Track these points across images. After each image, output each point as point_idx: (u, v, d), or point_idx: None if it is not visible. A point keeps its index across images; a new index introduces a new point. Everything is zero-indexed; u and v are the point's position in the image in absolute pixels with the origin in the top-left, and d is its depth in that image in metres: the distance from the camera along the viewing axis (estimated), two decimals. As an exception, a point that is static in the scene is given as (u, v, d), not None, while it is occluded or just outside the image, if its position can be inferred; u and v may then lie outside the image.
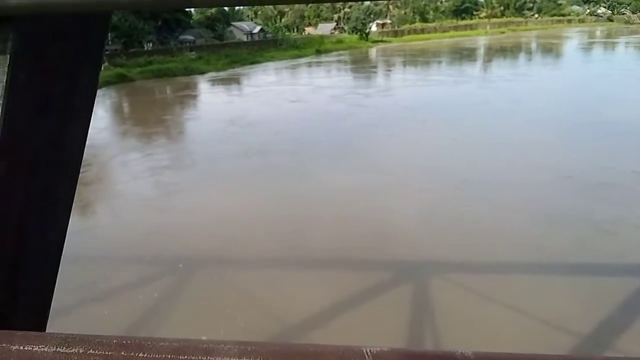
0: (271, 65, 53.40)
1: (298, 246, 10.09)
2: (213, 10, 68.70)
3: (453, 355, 0.84)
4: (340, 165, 15.62)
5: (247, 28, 74.03)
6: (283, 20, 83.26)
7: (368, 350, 0.80)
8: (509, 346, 6.67)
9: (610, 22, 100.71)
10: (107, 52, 48.62)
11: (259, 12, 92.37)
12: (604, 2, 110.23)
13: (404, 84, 35.24)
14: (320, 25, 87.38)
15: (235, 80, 42.64)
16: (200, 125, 24.51)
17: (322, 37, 73.75)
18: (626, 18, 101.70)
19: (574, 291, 8.19)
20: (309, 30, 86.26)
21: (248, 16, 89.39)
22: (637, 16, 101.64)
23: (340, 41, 72.02)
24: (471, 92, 30.38)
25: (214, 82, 42.29)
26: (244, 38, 70.17)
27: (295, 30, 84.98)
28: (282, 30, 73.31)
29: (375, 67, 50.74)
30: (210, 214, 12.08)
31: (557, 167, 14.68)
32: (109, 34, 53.52)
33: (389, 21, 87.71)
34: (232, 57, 54.67)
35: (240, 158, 17.07)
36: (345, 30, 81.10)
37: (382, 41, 76.01)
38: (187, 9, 66.54)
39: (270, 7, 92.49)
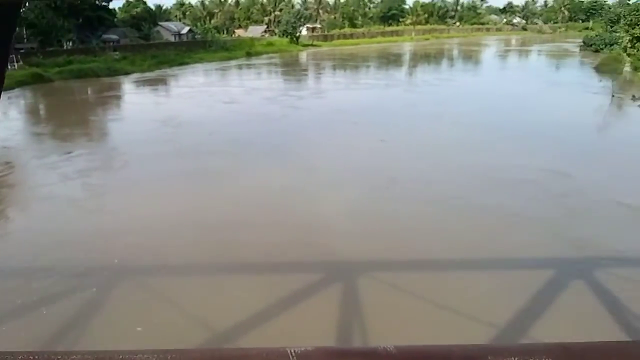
0: (200, 66, 52.38)
1: (229, 249, 9.89)
2: (138, 9, 66.32)
3: (376, 351, 0.86)
4: (275, 166, 15.64)
5: (175, 28, 72.15)
6: (212, 21, 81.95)
7: (292, 351, 0.78)
8: (429, 338, 6.98)
9: (525, 31, 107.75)
10: (21, 51, 45.53)
11: (188, 13, 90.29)
12: (519, 13, 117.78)
13: (336, 87, 35.80)
14: (250, 28, 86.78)
15: (163, 82, 41.42)
16: (129, 126, 23.62)
17: (252, 39, 73.28)
18: (538, 28, 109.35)
19: (490, 283, 8.66)
20: (239, 32, 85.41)
21: (176, 16, 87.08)
22: (548, 26, 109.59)
23: (270, 44, 71.90)
24: (399, 95, 31.44)
25: (141, 83, 40.84)
26: (172, 38, 68.31)
27: (225, 32, 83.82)
28: (211, 32, 72.07)
29: (306, 70, 51.16)
30: (135, 219, 11.57)
31: (477, 165, 15.56)
32: (25, 31, 50.18)
33: (319, 25, 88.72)
34: (159, 57, 52.98)
35: (172, 159, 16.61)
36: (275, 33, 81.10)
37: (312, 45, 76.73)
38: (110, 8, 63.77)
39: (199, 7, 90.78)
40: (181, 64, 52.96)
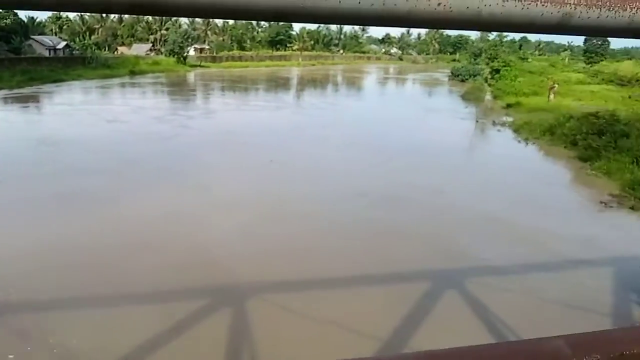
0: (78, 84, 49.46)
1: (113, 278, 9.39)
2: (8, 20, 61.03)
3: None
4: (163, 187, 15.52)
5: (50, 43, 67.38)
6: (93, 37, 77.76)
7: None
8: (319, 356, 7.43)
9: (401, 61, 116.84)
10: None
11: (65, 27, 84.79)
12: (396, 44, 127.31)
13: (226, 108, 36.07)
14: (135, 46, 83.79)
15: (36, 99, 38.47)
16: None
17: (137, 57, 70.86)
18: (413, 58, 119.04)
19: (374, 297, 9.28)
20: (123, 49, 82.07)
21: (52, 30, 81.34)
22: (421, 57, 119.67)
23: (156, 63, 70.09)
24: (288, 117, 32.61)
25: (9, 100, 37.56)
26: (46, 53, 63.69)
27: (107, 48, 79.99)
28: (91, 48, 68.41)
29: (195, 90, 50.72)
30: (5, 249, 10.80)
31: (360, 184, 16.86)
32: None
33: (207, 47, 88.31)
34: (31, 73, 49.15)
35: (46, 180, 15.63)
36: (162, 53, 79.18)
37: (200, 66, 76.13)
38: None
39: (78, 22, 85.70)
40: (57, 80, 49.60)
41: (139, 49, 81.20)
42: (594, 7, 0.90)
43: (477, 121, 32.99)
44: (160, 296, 8.95)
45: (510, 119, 31.84)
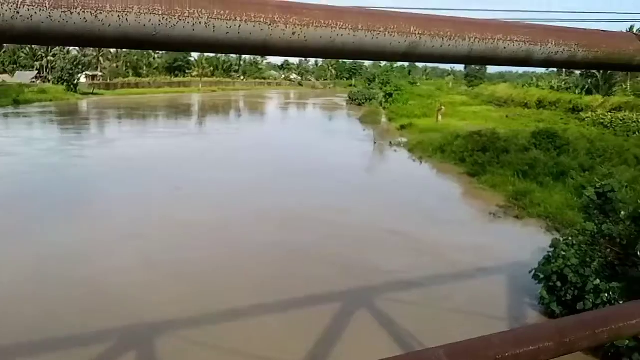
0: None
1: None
2: None
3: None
4: (59, 221, 14.74)
5: None
6: (-33, 64, 70.93)
7: None
8: None
9: (301, 86, 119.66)
10: None
11: None
12: (295, 70, 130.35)
13: (125, 137, 34.70)
14: (18, 73, 77.58)
15: None
16: None
17: (21, 85, 65.73)
18: (312, 84, 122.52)
19: (287, 320, 9.45)
20: (4, 77, 75.58)
21: None
22: (320, 82, 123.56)
23: (43, 91, 65.49)
24: (191, 144, 32.16)
25: None
26: None
27: (-16, 76, 73.26)
28: (-35, 75, 62.34)
29: (89, 119, 48.12)
30: None
31: (266, 207, 17.21)
32: None
33: (100, 73, 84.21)
34: None
35: None
36: (49, 80, 74.13)
37: (93, 93, 72.34)
38: None
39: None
40: None
41: (23, 76, 75.36)
42: (437, 37, 1.00)
43: (375, 142, 34.86)
44: (61, 343, 8.49)
45: (404, 140, 34.06)
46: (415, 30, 0.99)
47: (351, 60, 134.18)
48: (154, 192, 18.49)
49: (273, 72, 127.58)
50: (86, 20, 0.77)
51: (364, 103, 65.53)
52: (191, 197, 18.10)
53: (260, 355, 8.17)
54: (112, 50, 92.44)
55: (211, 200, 17.80)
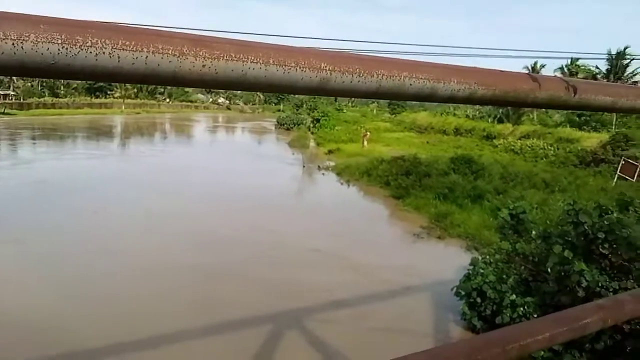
0: None
1: None
2: None
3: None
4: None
5: None
6: None
7: None
8: None
9: (229, 110, 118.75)
10: None
11: None
12: (223, 94, 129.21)
13: (40, 157, 32.63)
14: None
15: None
16: None
17: None
18: (240, 108, 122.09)
19: (215, 347, 9.25)
20: None
21: None
22: (248, 107, 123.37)
23: (-55, 110, 60.36)
24: (112, 165, 30.86)
25: None
26: None
27: None
28: None
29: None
30: None
31: (193, 231, 16.86)
32: None
33: (12, 93, 78.91)
34: None
35: None
36: (-49, 98, 68.46)
37: (4, 113, 67.56)
38: None
39: None
40: None
41: None
42: (346, 73, 1.03)
43: (304, 166, 35.17)
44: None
45: (332, 164, 34.69)
46: (325, 67, 1.03)
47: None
48: (68, 216, 17.49)
49: (200, 96, 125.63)
50: None
51: (292, 128, 66.12)
52: (108, 219, 17.28)
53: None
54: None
55: (131, 222, 17.12)
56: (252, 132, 68.29)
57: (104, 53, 0.80)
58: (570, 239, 9.24)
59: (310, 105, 65.60)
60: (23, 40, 0.74)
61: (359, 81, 1.08)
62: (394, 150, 36.83)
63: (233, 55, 0.91)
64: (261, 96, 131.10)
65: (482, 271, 10.57)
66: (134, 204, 19.95)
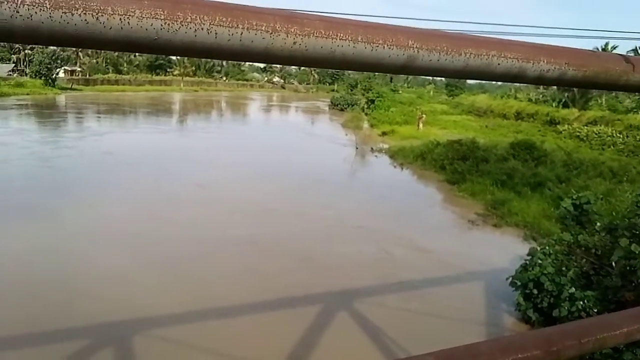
0: None
1: None
2: None
3: None
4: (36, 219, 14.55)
5: None
6: (-60, 54, 69.16)
7: None
8: None
9: (283, 89, 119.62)
10: None
11: None
12: (278, 73, 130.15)
13: (103, 131, 34.22)
14: (-7, 65, 75.86)
15: None
16: None
17: (-4, 78, 64.30)
18: (294, 87, 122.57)
19: (271, 323, 9.59)
20: (-21, 69, 73.80)
21: None
22: (302, 86, 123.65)
23: (20, 85, 64.14)
24: (172, 140, 31.98)
25: None
26: None
27: (-41, 67, 71.50)
28: (-61, 66, 60.73)
29: (71, 113, 47.38)
30: None
31: (256, 203, 17.22)
32: None
33: (79, 69, 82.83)
34: None
35: None
36: (26, 74, 72.65)
37: (72, 89, 71.13)
38: None
39: None
40: None
41: (-1, 69, 73.70)
42: (434, 51, 1.01)
43: (356, 148, 34.99)
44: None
45: (386, 146, 34.31)
46: (413, 44, 1.00)
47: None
48: (135, 186, 18.51)
49: (256, 75, 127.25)
50: (87, 22, 0.76)
51: (346, 108, 65.69)
52: (168, 189, 18.11)
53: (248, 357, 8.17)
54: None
55: (187, 194, 17.80)
56: (306, 112, 68.53)
57: (202, 29, 0.80)
58: (638, 232, 8.75)
59: (365, 86, 64.97)
60: (129, 15, 0.75)
61: (446, 60, 1.04)
62: (450, 133, 35.96)
63: (323, 32, 0.90)
64: (315, 75, 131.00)
65: (540, 262, 10.20)
66: (190, 176, 20.61)
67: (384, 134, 40.79)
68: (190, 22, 0.79)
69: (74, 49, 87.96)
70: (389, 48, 0.96)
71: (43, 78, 67.78)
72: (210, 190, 19.08)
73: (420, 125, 41.62)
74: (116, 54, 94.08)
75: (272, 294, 10.60)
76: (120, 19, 0.75)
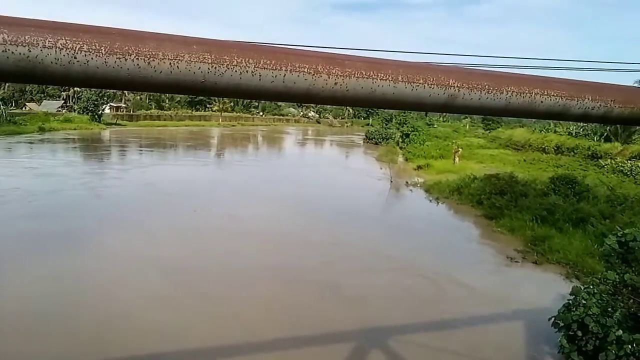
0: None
1: None
2: None
3: None
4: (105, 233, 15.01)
5: (-52, 97, 62.77)
6: (-2, 92, 73.58)
7: None
8: None
9: (318, 124, 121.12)
10: None
11: (-36, 80, 79.47)
12: (313, 108, 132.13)
13: (146, 164, 35.34)
14: (45, 102, 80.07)
15: None
16: None
17: (47, 114, 67.67)
18: (329, 122, 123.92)
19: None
20: (31, 106, 78.03)
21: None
22: (337, 120, 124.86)
23: (68, 120, 67.28)
24: (209, 172, 32.70)
25: None
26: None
27: (14, 104, 75.75)
28: (-5, 103, 64.49)
29: (114, 148, 49.22)
30: None
31: (290, 234, 17.27)
32: None
33: (123, 105, 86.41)
34: None
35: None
36: (74, 110, 76.24)
37: (116, 124, 74.06)
38: None
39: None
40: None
41: (50, 105, 77.72)
42: (474, 90, 1.03)
43: (391, 181, 34.77)
44: None
45: (421, 180, 33.97)
46: (454, 83, 1.02)
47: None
48: (171, 214, 19.13)
49: (291, 110, 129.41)
50: (139, 67, 0.81)
51: (380, 142, 65.69)
52: (205, 219, 18.51)
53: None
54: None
55: (221, 221, 18.13)
56: (341, 146, 68.91)
57: (247, 71, 0.85)
58: (691, 272, 8.29)
59: (400, 120, 65.00)
60: (179, 60, 0.81)
61: (487, 98, 1.05)
62: (487, 167, 35.39)
63: (364, 73, 0.93)
64: (350, 110, 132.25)
65: (584, 302, 9.75)
66: (224, 208, 20.91)
67: (419, 167, 40.46)
68: (236, 65, 0.84)
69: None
70: (430, 87, 0.98)
71: (90, 114, 70.91)
72: (244, 221, 19.27)
73: (457, 159, 41.14)
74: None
75: (303, 326, 10.50)
76: (170, 63, 0.81)
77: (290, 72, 0.89)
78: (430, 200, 27.75)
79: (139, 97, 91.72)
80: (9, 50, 0.72)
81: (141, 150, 47.74)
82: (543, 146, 50.63)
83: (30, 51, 0.72)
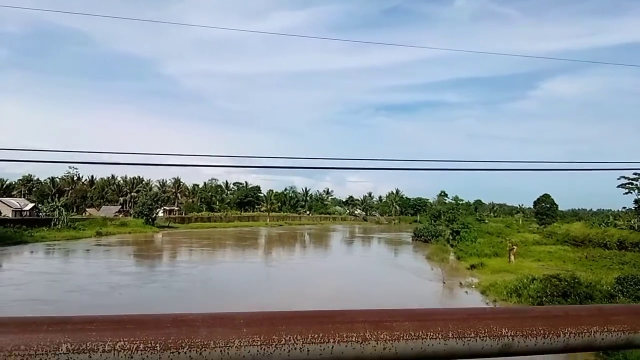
0: (41, 246, 48.69)
1: None
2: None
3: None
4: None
5: (17, 205, 67.66)
6: (62, 199, 78.66)
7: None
8: None
9: (365, 221, 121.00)
10: None
11: (34, 189, 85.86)
12: (359, 205, 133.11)
13: (198, 262, 35.98)
14: (103, 207, 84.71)
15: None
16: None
17: (105, 219, 71.24)
18: (376, 219, 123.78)
19: None
20: (91, 211, 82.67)
21: (20, 192, 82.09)
22: (384, 218, 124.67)
23: (124, 224, 70.39)
24: (257, 270, 32.72)
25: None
26: (11, 215, 63.47)
27: (75, 210, 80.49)
28: (59, 210, 68.74)
29: (166, 250, 50.62)
30: None
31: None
32: None
33: (176, 208, 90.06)
34: (-7, 234, 48.51)
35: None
36: (130, 214, 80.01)
37: (168, 227, 76.74)
38: None
39: (48, 184, 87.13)
40: (19, 242, 48.84)
41: (108, 210, 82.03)
42: (529, 337, 0.95)
43: (444, 282, 33.50)
44: None
45: (476, 280, 32.54)
46: (507, 332, 0.95)
47: (415, 196, 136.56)
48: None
49: (338, 208, 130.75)
50: (192, 359, 0.80)
51: (430, 240, 64.42)
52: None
53: None
54: (189, 186, 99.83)
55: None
56: (389, 244, 68.04)
57: (295, 349, 0.82)
58: None
59: (449, 217, 64.10)
60: (229, 346, 0.79)
61: (543, 343, 0.97)
62: (545, 266, 33.70)
63: (412, 334, 0.89)
64: (397, 207, 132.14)
65: None
66: (272, 305, 20.54)
67: (472, 267, 38.99)
68: (284, 344, 0.81)
69: (174, 190, 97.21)
70: (482, 340, 0.92)
71: (144, 217, 74.10)
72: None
73: (512, 257, 39.49)
74: (210, 193, 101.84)
75: None
76: (221, 350, 0.78)
77: (338, 343, 0.84)
78: (487, 303, 26.30)
79: (191, 200, 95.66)
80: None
81: (192, 250, 48.81)
82: (604, 241, 48.07)
83: (90, 357, 0.74)
